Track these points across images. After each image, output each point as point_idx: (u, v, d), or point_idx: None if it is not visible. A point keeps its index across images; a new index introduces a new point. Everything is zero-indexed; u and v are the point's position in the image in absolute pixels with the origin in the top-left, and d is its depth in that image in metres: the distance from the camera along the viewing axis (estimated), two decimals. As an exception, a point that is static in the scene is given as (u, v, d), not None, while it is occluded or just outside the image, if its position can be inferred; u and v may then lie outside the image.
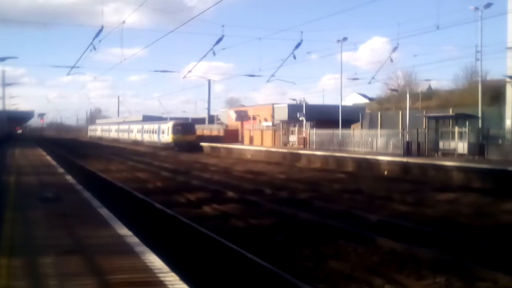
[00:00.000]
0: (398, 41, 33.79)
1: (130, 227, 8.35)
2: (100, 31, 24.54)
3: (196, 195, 17.67)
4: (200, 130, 58.94)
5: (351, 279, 8.06)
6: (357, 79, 43.77)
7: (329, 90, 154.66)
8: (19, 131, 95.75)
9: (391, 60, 35.45)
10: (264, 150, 39.40)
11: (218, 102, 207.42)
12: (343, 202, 16.22)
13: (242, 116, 53.42)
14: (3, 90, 65.72)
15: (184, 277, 5.65)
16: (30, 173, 18.53)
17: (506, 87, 26.90)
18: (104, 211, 9.99)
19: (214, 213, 14.32)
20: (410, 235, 10.89)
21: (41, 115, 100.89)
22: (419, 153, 27.40)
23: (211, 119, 68.56)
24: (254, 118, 52.20)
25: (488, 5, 28.01)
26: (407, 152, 27.60)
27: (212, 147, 48.62)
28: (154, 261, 6.29)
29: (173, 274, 5.74)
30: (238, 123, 54.70)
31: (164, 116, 76.48)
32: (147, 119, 75.96)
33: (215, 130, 60.02)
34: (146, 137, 62.09)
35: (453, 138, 26.48)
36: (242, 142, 50.29)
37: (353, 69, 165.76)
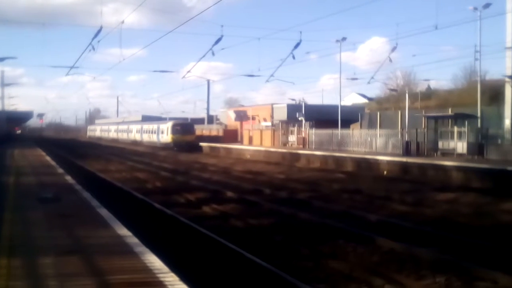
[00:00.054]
0: (397, 41, 33.82)
1: (129, 228, 8.34)
2: (99, 31, 24.53)
3: (195, 195, 17.67)
4: (199, 130, 58.95)
5: (351, 279, 8.06)
6: (356, 79, 43.91)
7: (328, 90, 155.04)
8: (18, 131, 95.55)
9: (390, 60, 35.48)
10: (263, 150, 39.40)
11: (217, 102, 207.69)
12: (342, 202, 16.23)
13: (241, 116, 53.42)
14: (2, 90, 65.75)
15: (183, 278, 5.65)
16: (29, 174, 18.52)
17: (505, 87, 26.89)
18: (104, 212, 9.99)
19: (214, 213, 14.32)
20: (410, 235, 10.90)
21: (40, 115, 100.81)
22: (418, 153, 27.41)
23: (210, 119, 68.55)
24: (253, 118, 52.20)
25: (487, 5, 28.02)
26: (406, 152, 27.61)
27: (211, 147, 48.63)
28: (153, 261, 6.29)
29: (172, 274, 5.74)
30: (237, 123, 54.71)
31: (163, 116, 76.48)
32: (146, 119, 75.97)
33: (214, 130, 60.02)
34: (145, 137, 62.09)
35: (452, 138, 26.50)
36: (241, 142, 50.30)
37: (352, 69, 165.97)
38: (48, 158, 28.55)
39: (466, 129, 25.78)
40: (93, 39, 25.18)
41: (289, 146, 41.20)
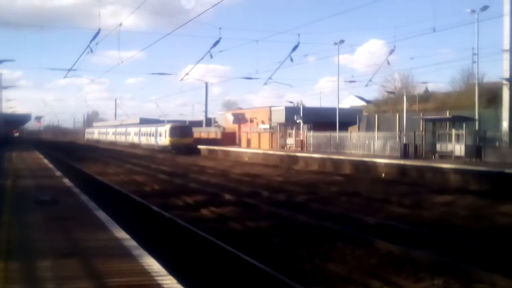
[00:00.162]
0: (395, 44, 33.61)
1: (127, 230, 8.34)
2: (97, 33, 24.49)
3: (193, 198, 17.65)
4: (198, 132, 58.93)
5: (349, 282, 8.06)
6: (354, 81, 44.00)
7: (326, 92, 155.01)
8: (16, 134, 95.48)
9: (388, 63, 35.42)
10: (262, 153, 39.40)
11: (216, 104, 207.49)
12: (340, 204, 16.23)
13: (240, 119, 53.43)
14: (0, 93, 65.52)
15: (181, 280, 5.64)
16: (27, 176, 18.50)
17: (502, 90, 26.94)
18: (102, 214, 9.98)
19: (212, 216, 14.31)
20: (408, 237, 10.90)
21: (38, 118, 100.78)
22: (416, 156, 27.43)
23: (209, 122, 68.56)
24: (251, 121, 52.20)
25: (485, 8, 28.12)
26: (404, 154, 27.63)
27: (209, 150, 48.63)
28: (151, 264, 6.28)
29: (170, 277, 5.74)
30: (236, 126, 54.70)
31: (162, 118, 76.43)
32: (144, 122, 75.85)
33: (212, 132, 60.01)
34: (144, 140, 62.03)
35: (450, 140, 26.53)
36: (239, 145, 50.31)
37: (350, 72, 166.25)
38: (46, 160, 28.54)
39: (464, 132, 25.81)
40: (91, 41, 25.18)
41: (287, 148, 41.20)
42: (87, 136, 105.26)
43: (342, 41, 38.20)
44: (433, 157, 27.01)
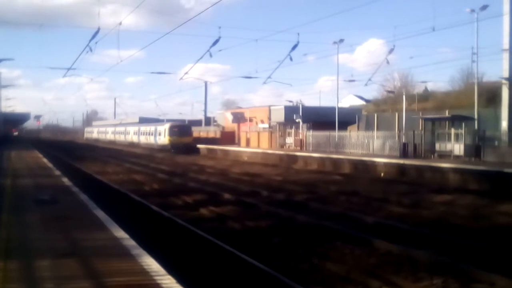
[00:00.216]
0: (395, 43, 33.47)
1: (126, 230, 8.33)
2: (97, 32, 24.47)
3: (192, 197, 17.65)
4: (197, 132, 58.93)
5: (348, 281, 8.06)
6: (353, 81, 44.02)
7: (325, 92, 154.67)
8: (15, 133, 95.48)
9: (388, 62, 35.41)
10: (261, 152, 39.40)
11: (215, 104, 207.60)
12: (339, 204, 16.23)
13: (239, 118, 53.44)
14: (-1, 92, 65.50)
15: (180, 280, 5.64)
16: (26, 176, 18.49)
17: (502, 89, 26.96)
18: (101, 214, 9.98)
19: (211, 215, 14.31)
20: (407, 237, 10.90)
21: (38, 117, 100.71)
22: (416, 155, 27.44)
23: (208, 121, 68.55)
24: (250, 120, 52.19)
25: (484, 7, 28.10)
26: (404, 154, 27.64)
27: (208, 149, 48.62)
28: (150, 263, 6.28)
29: (169, 277, 5.74)
30: (235, 125, 54.71)
31: (161, 118, 76.37)
32: (143, 121, 75.80)
33: (211, 132, 60.01)
34: (143, 139, 62.01)
35: (449, 139, 26.54)
36: (238, 144, 50.30)
37: (350, 71, 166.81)
38: (45, 160, 28.53)
39: (463, 131, 25.82)
40: (90, 40, 25.15)
41: (286, 148, 41.20)
42: (86, 135, 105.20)
43: (341, 40, 38.18)
44: (432, 156, 27.02)
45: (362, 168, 27.12)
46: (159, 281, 5.58)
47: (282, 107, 48.50)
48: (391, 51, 34.29)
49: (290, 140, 41.62)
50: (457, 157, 25.53)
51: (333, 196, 17.93)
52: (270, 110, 49.65)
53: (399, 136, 29.69)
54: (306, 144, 38.42)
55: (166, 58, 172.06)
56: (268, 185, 21.37)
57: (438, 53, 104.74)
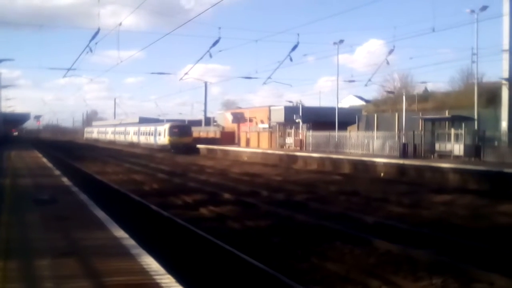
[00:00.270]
0: (395, 44, 33.53)
1: (126, 230, 8.33)
2: (97, 33, 24.46)
3: (192, 197, 17.65)
4: (197, 132, 58.94)
5: (347, 281, 8.06)
6: (353, 81, 43.97)
7: (325, 92, 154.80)
8: (15, 133, 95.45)
9: (388, 63, 35.44)
10: (261, 152, 39.40)
11: (215, 104, 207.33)
12: (339, 204, 16.23)
13: (239, 118, 53.45)
14: (-1, 92, 65.50)
15: (180, 279, 5.64)
16: (26, 175, 18.49)
17: (501, 89, 26.96)
18: (100, 213, 9.98)
19: (211, 215, 14.31)
20: (406, 236, 10.90)
21: (37, 117, 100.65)
22: (415, 155, 27.45)
23: (208, 121, 68.54)
24: (250, 120, 52.22)
25: (484, 8, 28.12)
26: (404, 154, 27.64)
27: (208, 149, 48.62)
28: (150, 263, 6.29)
29: (169, 276, 5.74)
30: (235, 125, 54.72)
31: (161, 118, 76.36)
32: (143, 121, 75.80)
33: (211, 132, 60.01)
34: (143, 139, 62.01)
35: (449, 140, 26.54)
36: (238, 144, 50.31)
37: (350, 71, 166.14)
38: (44, 160, 28.53)
39: (463, 131, 25.83)
40: (90, 41, 25.15)
41: (286, 148, 41.20)
42: (86, 135, 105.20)
43: (341, 41, 38.21)
44: (432, 156, 27.02)
45: (362, 168, 27.12)
46: (158, 281, 5.58)
47: (282, 107, 48.52)
48: (391, 51, 34.36)
49: (290, 140, 41.63)
50: (457, 157, 25.53)
51: (333, 196, 17.93)
52: (270, 111, 49.67)
53: (399, 136, 29.70)
54: (306, 144, 38.43)
55: (166, 58, 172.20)
56: (268, 185, 21.37)
57: (438, 53, 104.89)
